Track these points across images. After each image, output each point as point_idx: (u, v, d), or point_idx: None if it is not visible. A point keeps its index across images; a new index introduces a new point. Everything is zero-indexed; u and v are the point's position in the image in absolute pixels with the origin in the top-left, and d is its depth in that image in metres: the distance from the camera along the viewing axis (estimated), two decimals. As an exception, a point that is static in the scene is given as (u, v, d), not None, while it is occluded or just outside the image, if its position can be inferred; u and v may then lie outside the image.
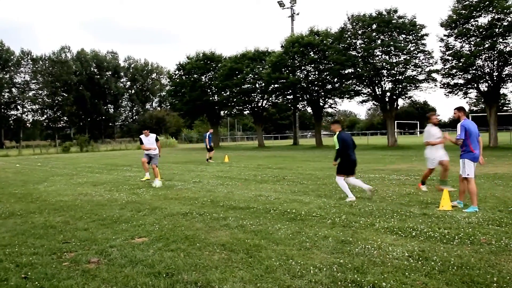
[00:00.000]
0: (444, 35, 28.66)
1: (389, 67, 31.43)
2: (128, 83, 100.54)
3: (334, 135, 8.46)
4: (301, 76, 38.66)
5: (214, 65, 46.43)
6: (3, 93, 76.45)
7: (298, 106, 43.38)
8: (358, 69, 33.07)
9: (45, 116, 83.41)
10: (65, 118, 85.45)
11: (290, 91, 39.47)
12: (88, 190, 10.92)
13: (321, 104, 39.91)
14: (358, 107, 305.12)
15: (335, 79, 36.50)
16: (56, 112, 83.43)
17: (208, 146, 20.88)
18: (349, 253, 4.65)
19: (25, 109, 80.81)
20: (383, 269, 4.08)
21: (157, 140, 12.79)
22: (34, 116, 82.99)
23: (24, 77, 79.62)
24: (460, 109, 7.20)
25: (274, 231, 5.72)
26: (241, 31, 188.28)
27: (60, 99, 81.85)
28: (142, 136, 12.79)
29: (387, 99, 33.58)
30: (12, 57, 77.71)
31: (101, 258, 4.76)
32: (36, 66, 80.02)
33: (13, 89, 78.18)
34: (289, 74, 37.46)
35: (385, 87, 33.28)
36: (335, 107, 42.15)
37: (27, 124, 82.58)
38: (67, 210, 8.00)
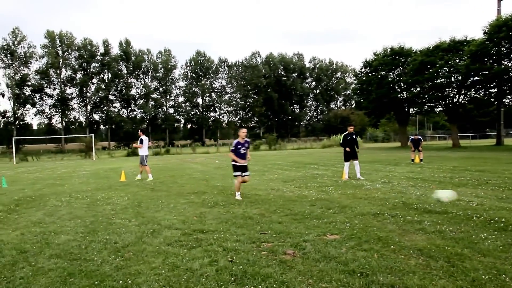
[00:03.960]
0: None
1: None
2: (313, 83, 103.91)
3: None
4: (510, 65, 33.52)
5: (403, 60, 44.28)
6: (204, 97, 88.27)
7: (504, 100, 37.83)
8: None
9: (238, 117, 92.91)
10: (255, 118, 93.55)
11: (494, 83, 34.68)
12: (279, 186, 11.65)
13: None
14: None
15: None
16: (247, 113, 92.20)
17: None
18: None
19: (221, 111, 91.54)
20: None
21: (141, 142, 14.76)
22: (229, 117, 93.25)
23: (221, 82, 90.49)
24: None
25: (480, 240, 5.17)
26: (433, 20, 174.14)
27: (251, 101, 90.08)
28: (143, 137, 14.83)
29: None
30: (212, 65, 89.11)
31: (296, 250, 4.97)
32: (231, 72, 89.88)
33: (213, 94, 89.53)
34: (494, 64, 32.92)
35: None
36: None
37: (223, 125, 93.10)
38: (261, 203, 8.63)
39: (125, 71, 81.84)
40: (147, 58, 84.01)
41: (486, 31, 34.01)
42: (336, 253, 4.83)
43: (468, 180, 11.68)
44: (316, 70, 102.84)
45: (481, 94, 38.95)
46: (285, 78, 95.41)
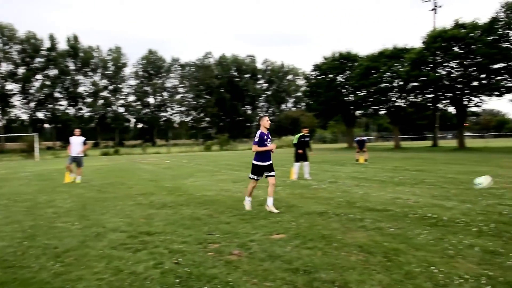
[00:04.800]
0: None
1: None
2: (265, 84, 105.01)
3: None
4: (443, 73, 35.79)
5: (350, 64, 45.89)
6: (156, 97, 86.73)
7: (438, 105, 40.29)
8: (511, 63, 29.28)
9: (190, 117, 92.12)
10: (207, 119, 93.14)
11: (431, 89, 36.89)
12: (229, 187, 11.70)
13: (465, 102, 36.47)
14: (508, 106, 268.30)
15: (483, 75, 32.94)
16: (199, 114, 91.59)
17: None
18: (500, 265, 4.26)
19: (173, 111, 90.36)
20: (543, 286, 3.66)
21: (84, 143, 14.27)
22: (181, 117, 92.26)
23: (173, 82, 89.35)
24: None
25: (414, 236, 5.51)
26: (378, 28, 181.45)
27: (203, 101, 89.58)
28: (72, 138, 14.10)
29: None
30: (164, 64, 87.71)
31: (242, 251, 5.03)
32: (184, 72, 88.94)
33: (164, 93, 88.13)
34: (430, 71, 35.01)
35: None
36: (481, 106, 38.10)
37: (175, 125, 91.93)
38: (210, 204, 8.62)
39: (72, 67, 78.55)
40: (96, 55, 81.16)
41: (424, 40, 36.07)
42: (281, 252, 4.93)
43: (407, 179, 12.36)
44: (268, 72, 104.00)
45: (419, 98, 41.18)
46: (238, 79, 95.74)
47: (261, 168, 7.76)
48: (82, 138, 14.52)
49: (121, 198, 9.89)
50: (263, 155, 7.72)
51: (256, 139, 7.68)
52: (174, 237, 5.80)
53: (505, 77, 31.54)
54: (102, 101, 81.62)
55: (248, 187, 8.01)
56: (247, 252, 4.98)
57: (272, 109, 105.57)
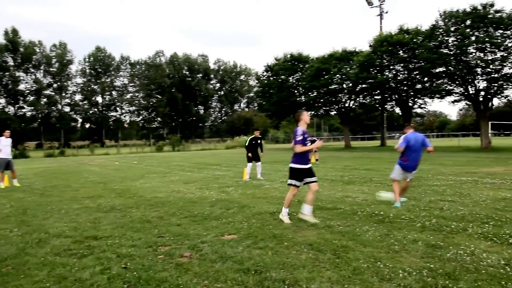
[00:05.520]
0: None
1: (483, 65, 29.09)
2: (218, 84, 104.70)
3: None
4: (390, 75, 37.39)
5: (301, 66, 46.66)
6: (104, 96, 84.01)
7: (386, 106, 42.07)
8: (450, 67, 31.07)
9: (141, 117, 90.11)
10: (158, 119, 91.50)
11: (378, 91, 38.44)
12: (180, 188, 11.55)
13: (410, 104, 38.30)
14: (449, 107, 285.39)
15: (425, 79, 34.75)
16: (150, 113, 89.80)
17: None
18: (440, 258, 4.48)
19: (123, 111, 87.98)
20: (476, 276, 3.89)
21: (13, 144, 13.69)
22: (131, 117, 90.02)
23: (123, 81, 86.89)
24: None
25: (362, 232, 5.67)
26: (328, 31, 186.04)
27: (154, 101, 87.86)
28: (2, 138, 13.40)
29: (481, 99, 31.40)
30: (113, 62, 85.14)
31: (193, 253, 4.96)
32: (134, 70, 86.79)
33: (113, 92, 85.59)
34: (377, 74, 36.39)
35: (479, 86, 31.11)
36: (424, 108, 40.18)
37: (125, 125, 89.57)
38: (161, 206, 8.48)
39: (11, 63, 74.24)
40: (38, 51, 77.29)
41: (371, 44, 37.45)
42: (233, 252, 4.91)
43: (356, 178, 12.76)
44: (220, 72, 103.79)
45: (368, 100, 42.71)
46: (190, 79, 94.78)
47: (302, 172, 6.60)
48: (11, 140, 13.76)
49: (66, 202, 9.49)
50: (304, 157, 6.59)
51: (301, 137, 6.44)
52: (122, 241, 5.63)
53: (446, 80, 33.32)
54: (45, 99, 77.93)
55: (288, 196, 6.71)
56: (198, 254, 4.92)
57: (225, 109, 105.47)
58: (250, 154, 13.49)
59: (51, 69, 78.64)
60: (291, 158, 6.67)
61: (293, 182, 6.61)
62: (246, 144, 13.67)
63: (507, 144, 34.70)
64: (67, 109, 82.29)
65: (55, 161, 33.25)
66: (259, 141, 13.67)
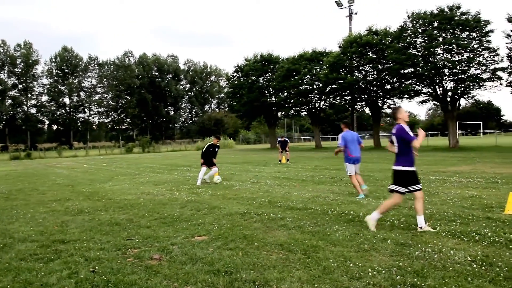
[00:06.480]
0: None
1: (451, 66, 30.06)
2: (188, 85, 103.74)
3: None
4: (359, 76, 38.01)
5: (271, 66, 46.85)
6: (72, 97, 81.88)
7: (356, 107, 42.74)
8: (418, 68, 31.89)
9: (110, 118, 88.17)
10: (128, 120, 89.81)
11: (348, 91, 38.97)
12: (150, 190, 11.42)
13: (379, 104, 39.09)
14: (417, 108, 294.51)
15: (394, 79, 35.52)
16: (120, 115, 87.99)
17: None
18: (409, 256, 4.59)
19: (91, 112, 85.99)
20: (444, 273, 4.00)
21: None
22: (100, 118, 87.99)
23: (91, 82, 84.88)
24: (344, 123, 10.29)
25: (332, 232, 5.74)
26: (298, 32, 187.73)
27: (123, 102, 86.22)
28: None
29: (448, 99, 32.33)
30: (80, 62, 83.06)
31: (163, 255, 4.92)
32: (102, 71, 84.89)
33: (81, 93, 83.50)
34: (347, 75, 36.93)
35: (446, 87, 32.02)
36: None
37: (94, 126, 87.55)
38: (130, 208, 8.37)
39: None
40: (2, 51, 74.56)
41: (341, 45, 38.02)
42: (203, 254, 4.90)
43: (327, 178, 12.92)
44: (190, 73, 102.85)
45: (338, 100, 43.32)
46: (159, 80, 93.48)
47: (409, 175, 5.74)
48: None
49: (32, 205, 9.23)
50: (410, 156, 5.78)
51: (411, 133, 5.72)
52: (90, 244, 5.53)
53: (414, 81, 34.18)
54: (10, 101, 75.27)
55: (388, 203, 5.90)
56: (168, 256, 4.89)
57: (195, 110, 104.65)
58: (202, 161, 12.70)
59: (16, 70, 76.01)
60: (395, 161, 5.87)
61: (400, 188, 5.77)
62: (203, 151, 12.82)
63: (474, 144, 35.74)
64: (33, 110, 79.71)
65: (21, 164, 32.18)
66: (216, 149, 12.88)
